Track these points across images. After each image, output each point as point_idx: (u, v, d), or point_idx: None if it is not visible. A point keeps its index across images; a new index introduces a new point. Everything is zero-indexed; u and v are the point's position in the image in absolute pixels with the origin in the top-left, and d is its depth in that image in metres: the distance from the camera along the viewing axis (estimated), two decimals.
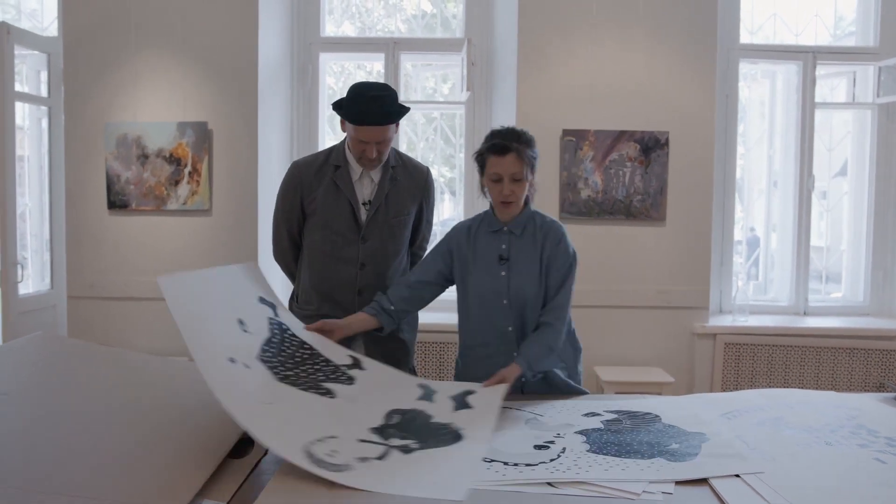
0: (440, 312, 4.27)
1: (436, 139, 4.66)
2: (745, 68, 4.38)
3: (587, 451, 1.76)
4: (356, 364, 2.06)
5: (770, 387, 3.84)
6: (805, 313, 4.31)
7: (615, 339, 3.96)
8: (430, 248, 2.53)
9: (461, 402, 1.98)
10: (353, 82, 2.38)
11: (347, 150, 2.43)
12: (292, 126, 4.30)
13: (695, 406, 2.12)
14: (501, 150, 2.15)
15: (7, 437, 1.57)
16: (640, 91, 3.91)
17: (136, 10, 3.88)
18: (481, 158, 2.23)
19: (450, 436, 1.79)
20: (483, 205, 2.46)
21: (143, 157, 3.91)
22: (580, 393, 2.32)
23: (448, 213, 5.04)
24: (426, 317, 4.11)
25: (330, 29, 4.47)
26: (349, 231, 2.43)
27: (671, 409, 2.09)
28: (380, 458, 1.63)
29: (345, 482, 1.50)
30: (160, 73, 3.91)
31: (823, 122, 4.48)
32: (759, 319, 4.14)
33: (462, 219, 4.34)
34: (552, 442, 1.82)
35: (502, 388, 2.06)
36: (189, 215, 3.94)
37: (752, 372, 3.98)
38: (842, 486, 1.56)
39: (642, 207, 3.93)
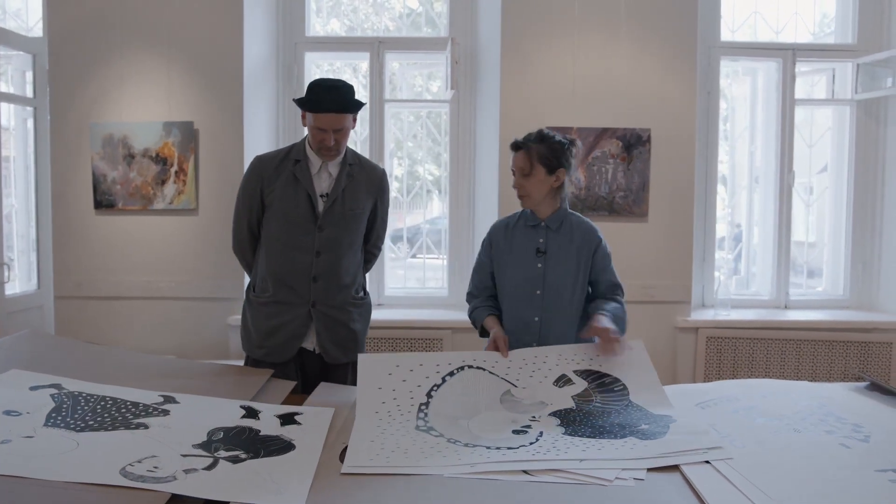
0: (428, 309, 4.33)
1: (423, 138, 4.70)
2: (727, 66, 4.44)
3: (563, 433, 1.82)
4: (169, 399, 2.03)
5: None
6: (786, 307, 4.37)
7: None
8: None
9: (288, 419, 1.96)
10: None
11: (308, 146, 2.56)
12: (278, 125, 4.32)
13: (663, 392, 2.17)
14: (515, 146, 2.41)
15: None
16: (623, 88, 3.96)
17: (122, 10, 3.89)
18: None
19: (281, 446, 1.77)
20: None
21: (130, 157, 3.93)
22: None
23: (436, 211, 5.06)
24: (415, 314, 4.18)
25: (317, 27, 4.49)
26: (306, 221, 2.54)
27: (636, 381, 2.15)
28: (207, 468, 1.60)
29: (174, 491, 1.46)
30: (146, 73, 3.93)
31: (804, 119, 4.53)
32: (740, 313, 4.20)
33: (447, 218, 4.41)
34: (529, 426, 1.88)
35: (330, 412, 2.02)
36: (176, 214, 3.97)
37: (733, 365, 4.04)
38: (807, 470, 1.61)
39: (625, 204, 3.98)
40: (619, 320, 2.35)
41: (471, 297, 2.55)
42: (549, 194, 2.40)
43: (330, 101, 2.41)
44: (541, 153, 2.34)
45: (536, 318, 2.39)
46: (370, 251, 2.79)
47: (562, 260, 2.39)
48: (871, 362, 4.02)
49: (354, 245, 2.63)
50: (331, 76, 2.59)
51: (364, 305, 2.71)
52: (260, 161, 2.62)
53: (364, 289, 2.75)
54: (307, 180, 2.53)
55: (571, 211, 2.49)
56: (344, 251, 2.58)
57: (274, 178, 2.56)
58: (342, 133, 2.48)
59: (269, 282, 2.59)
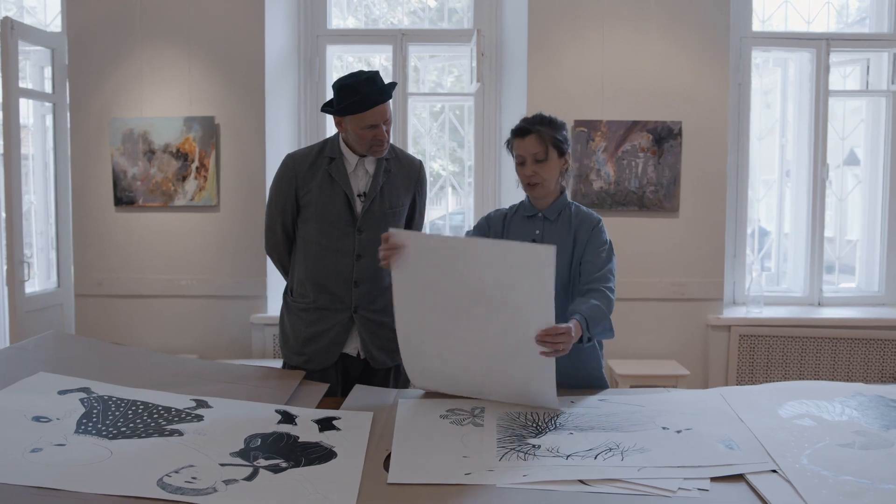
0: None
1: (442, 132, 4.61)
2: (758, 57, 4.32)
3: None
4: (202, 404, 1.95)
5: (785, 379, 3.80)
6: (819, 304, 4.26)
7: (629, 333, 3.91)
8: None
9: (327, 425, 1.86)
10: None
11: (342, 143, 2.42)
12: (300, 120, 4.25)
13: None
14: (521, 132, 2.22)
15: None
16: (653, 80, 3.86)
17: (141, 3, 3.84)
18: (509, 145, 2.28)
19: (322, 454, 1.68)
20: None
21: (150, 153, 3.87)
22: (602, 387, 2.30)
23: (454, 206, 4.98)
24: None
25: (336, 21, 4.42)
26: (345, 223, 2.41)
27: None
28: (248, 478, 1.52)
29: None
30: (166, 67, 3.87)
31: (835, 111, 4.42)
32: (773, 311, 4.10)
33: (472, 212, 4.32)
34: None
35: (369, 417, 1.93)
36: (197, 211, 3.90)
37: (767, 363, 3.94)
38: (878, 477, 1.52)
39: (655, 199, 3.88)
40: (596, 321, 2.13)
41: None
42: (557, 181, 2.27)
43: (376, 92, 2.25)
44: (551, 136, 2.20)
45: None
46: None
47: (558, 251, 2.16)
48: None
49: None
50: (349, 70, 2.44)
51: None
52: (293, 160, 2.47)
53: None
54: (344, 180, 2.39)
55: (571, 200, 2.35)
56: None
57: (309, 177, 2.42)
58: (390, 122, 2.34)
59: (308, 286, 2.46)
